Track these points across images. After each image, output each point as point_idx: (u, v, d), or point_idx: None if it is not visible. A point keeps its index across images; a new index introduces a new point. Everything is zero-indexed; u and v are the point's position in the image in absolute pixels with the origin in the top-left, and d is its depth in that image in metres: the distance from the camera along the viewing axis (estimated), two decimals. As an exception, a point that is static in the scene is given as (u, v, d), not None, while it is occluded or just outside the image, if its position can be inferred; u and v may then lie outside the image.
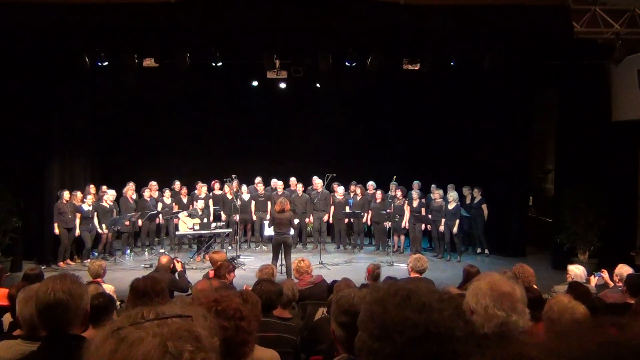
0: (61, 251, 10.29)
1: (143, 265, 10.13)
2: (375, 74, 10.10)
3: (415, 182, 11.69)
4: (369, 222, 11.91)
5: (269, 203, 11.69)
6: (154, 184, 11.75)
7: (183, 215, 11.09)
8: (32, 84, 10.25)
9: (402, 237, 11.71)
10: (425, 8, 8.61)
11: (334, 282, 5.31)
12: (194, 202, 11.38)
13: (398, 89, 12.78)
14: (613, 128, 9.97)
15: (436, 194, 11.20)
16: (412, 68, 10.05)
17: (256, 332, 2.34)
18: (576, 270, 5.81)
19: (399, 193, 11.34)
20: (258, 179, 11.98)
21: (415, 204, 11.32)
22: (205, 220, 10.99)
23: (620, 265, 5.70)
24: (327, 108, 13.04)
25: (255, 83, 11.94)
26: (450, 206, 10.89)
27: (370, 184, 12.07)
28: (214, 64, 10.01)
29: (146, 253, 11.35)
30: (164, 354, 0.89)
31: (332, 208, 11.83)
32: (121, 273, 9.23)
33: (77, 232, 10.43)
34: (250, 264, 10.09)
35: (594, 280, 5.97)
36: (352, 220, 11.83)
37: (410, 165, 12.61)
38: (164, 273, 6.34)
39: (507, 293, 1.98)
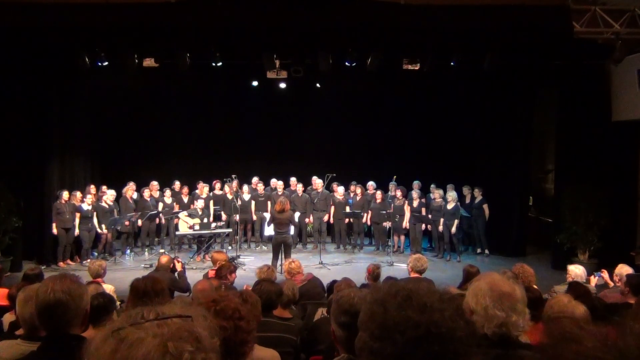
0: (60, 251, 10.29)
1: (143, 265, 10.13)
2: (375, 74, 10.11)
3: (415, 182, 11.69)
4: (368, 222, 11.92)
5: (269, 203, 11.70)
6: (155, 183, 11.75)
7: (183, 215, 11.09)
8: (32, 84, 10.25)
9: (402, 237, 11.71)
10: (425, 8, 8.61)
11: (334, 282, 5.31)
12: (195, 202, 11.38)
13: (398, 89, 12.78)
14: (613, 128, 9.96)
15: (436, 193, 11.19)
16: (412, 68, 10.05)
17: (255, 331, 2.34)
18: (576, 270, 5.81)
19: (398, 193, 11.34)
20: (255, 179, 11.99)
21: (415, 204, 11.31)
22: (205, 220, 10.99)
23: (620, 265, 5.69)
24: (327, 108, 13.04)
25: (255, 83, 11.94)
26: (449, 206, 10.89)
27: (370, 184, 12.07)
28: (214, 64, 10.00)
29: (146, 253, 11.35)
30: (164, 355, 0.88)
31: (333, 208, 11.83)
32: (121, 273, 9.22)
33: (77, 231, 10.43)
34: (250, 264, 10.09)
35: (594, 280, 5.97)
36: (352, 220, 11.84)
37: (410, 165, 12.61)
38: (164, 273, 6.34)
39: (507, 293, 1.98)
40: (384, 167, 12.52)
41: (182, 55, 9.46)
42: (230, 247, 11.32)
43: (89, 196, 10.68)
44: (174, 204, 11.71)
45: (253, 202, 11.84)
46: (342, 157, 13.23)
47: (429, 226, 11.41)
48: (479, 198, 11.37)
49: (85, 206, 10.53)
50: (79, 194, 10.53)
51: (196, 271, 9.05)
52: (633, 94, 9.37)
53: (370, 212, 11.62)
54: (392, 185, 11.59)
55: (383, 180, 11.99)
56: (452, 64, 10.10)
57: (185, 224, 10.92)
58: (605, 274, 6.06)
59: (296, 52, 10.03)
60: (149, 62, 9.79)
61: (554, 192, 11.32)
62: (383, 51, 9.58)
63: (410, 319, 1.06)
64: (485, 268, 8.49)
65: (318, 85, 12.30)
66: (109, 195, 10.98)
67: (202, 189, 11.67)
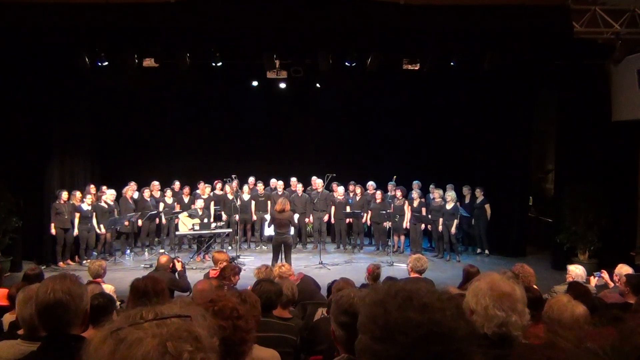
0: (58, 251, 10.28)
1: (143, 265, 10.13)
2: (375, 74, 10.10)
3: (415, 182, 11.69)
4: (368, 222, 11.91)
5: (269, 203, 11.69)
6: (156, 183, 11.75)
7: (183, 215, 11.09)
8: (32, 84, 10.25)
9: (402, 237, 11.70)
10: (425, 8, 8.61)
11: (334, 282, 5.31)
12: (195, 202, 11.38)
13: (398, 89, 12.77)
14: (613, 128, 9.95)
15: (436, 193, 11.19)
16: (412, 68, 10.05)
17: (254, 331, 2.34)
18: (576, 270, 5.80)
19: (398, 193, 11.33)
20: (251, 179, 12.00)
21: (415, 203, 11.31)
22: (205, 220, 10.99)
23: (620, 265, 5.69)
24: (327, 108, 13.03)
25: (255, 83, 11.95)
26: (448, 206, 10.89)
27: (370, 184, 12.07)
28: (214, 64, 10.01)
29: (146, 253, 11.34)
30: (163, 355, 0.88)
31: (333, 208, 11.83)
32: (121, 273, 9.22)
33: (76, 231, 10.43)
34: (250, 264, 10.07)
35: (593, 280, 5.97)
36: (352, 220, 11.83)
37: (410, 165, 12.61)
38: (164, 272, 6.34)
39: (507, 293, 1.98)
40: (384, 167, 12.52)
41: (182, 55, 9.46)
42: (230, 247, 11.32)
43: (88, 196, 10.67)
44: (175, 204, 11.71)
45: (253, 202, 11.85)
46: (342, 157, 13.21)
47: (429, 226, 11.41)
48: (480, 198, 11.36)
49: (85, 206, 10.53)
50: (78, 194, 10.53)
51: (196, 271, 9.05)
52: (633, 94, 9.37)
53: (370, 212, 11.62)
54: (391, 185, 11.58)
55: (383, 180, 11.99)
56: (452, 64, 10.11)
57: (184, 225, 10.91)
58: (605, 274, 6.06)
59: (296, 52, 10.03)
60: (149, 62, 9.78)
61: (554, 192, 11.32)
62: (383, 51, 9.58)
63: (412, 319, 1.06)
64: (485, 268, 8.48)
65: (318, 85, 12.30)
66: (109, 195, 10.97)
67: (204, 189, 11.67)
